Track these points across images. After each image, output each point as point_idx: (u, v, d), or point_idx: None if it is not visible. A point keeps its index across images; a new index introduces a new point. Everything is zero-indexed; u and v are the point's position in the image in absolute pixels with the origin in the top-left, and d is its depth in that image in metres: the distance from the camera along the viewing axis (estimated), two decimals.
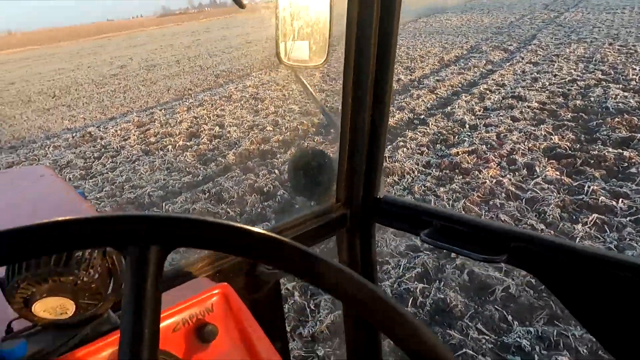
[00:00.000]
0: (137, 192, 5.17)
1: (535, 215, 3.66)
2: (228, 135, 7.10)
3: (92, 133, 8.12)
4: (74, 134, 8.20)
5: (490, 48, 12.13)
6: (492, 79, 8.69)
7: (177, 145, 6.84)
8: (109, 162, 6.46)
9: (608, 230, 3.32)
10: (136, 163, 6.26)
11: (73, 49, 29.23)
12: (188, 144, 6.91)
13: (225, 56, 17.04)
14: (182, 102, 9.95)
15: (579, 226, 3.38)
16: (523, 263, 0.82)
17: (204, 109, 9.03)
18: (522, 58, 10.32)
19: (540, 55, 10.47)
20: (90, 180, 5.80)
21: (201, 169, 5.76)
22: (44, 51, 30.05)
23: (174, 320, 0.67)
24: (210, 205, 4.59)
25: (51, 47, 32.58)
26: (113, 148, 7.12)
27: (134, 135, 7.66)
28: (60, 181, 2.05)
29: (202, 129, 7.61)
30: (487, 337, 2.46)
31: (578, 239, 3.23)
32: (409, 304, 2.77)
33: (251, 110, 8.53)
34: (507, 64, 10.00)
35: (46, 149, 7.47)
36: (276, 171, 5.33)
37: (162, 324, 0.70)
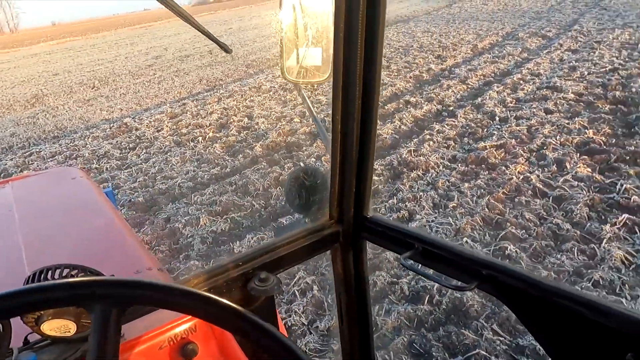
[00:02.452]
0: (169, 183, 5.38)
1: (562, 214, 3.58)
2: (256, 126, 7.23)
3: (128, 124, 8.45)
4: (111, 125, 8.56)
5: (527, 35, 11.66)
6: (527, 68, 8.39)
7: (207, 136, 7.03)
8: (143, 152, 6.73)
9: (638, 232, 3.21)
10: (168, 154, 6.49)
11: (112, 39, 30.16)
12: (217, 135, 7.09)
13: (256, 45, 17.18)
14: (213, 93, 10.16)
15: (607, 227, 3.28)
16: (494, 291, 0.87)
17: (233, 100, 9.20)
18: (561, 45, 9.88)
19: (580, 42, 9.99)
20: (125, 171, 6.07)
21: (229, 160, 5.91)
22: (85, 42, 31.15)
23: (161, 339, 0.74)
24: (237, 197, 4.73)
25: (92, 38, 33.74)
26: (147, 139, 7.40)
27: (167, 126, 7.92)
28: (90, 184, 2.14)
29: (231, 120, 7.78)
30: (501, 339, 2.46)
31: (605, 240, 3.15)
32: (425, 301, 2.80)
33: (280, 101, 8.62)
34: (545, 51, 9.61)
35: (86, 139, 7.85)
36: (301, 164, 5.40)
37: (151, 342, 0.79)
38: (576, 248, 3.11)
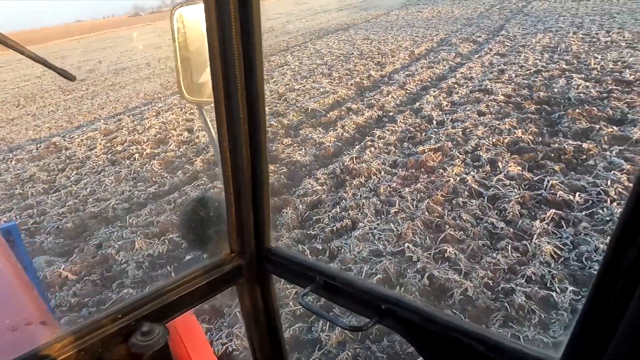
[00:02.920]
0: (101, 206, 5.05)
1: (496, 213, 3.71)
2: (197, 140, 7.00)
3: (57, 143, 7.89)
4: (38, 145, 7.96)
5: (460, 40, 12.24)
6: (461, 72, 8.77)
7: (145, 153, 6.71)
8: (73, 174, 6.29)
9: (564, 226, 3.39)
10: (101, 174, 6.12)
11: (41, 53, 28.28)
12: (156, 151, 6.78)
13: None
14: (151, 107, 9.76)
15: (537, 223, 3.43)
16: (393, 325, 0.85)
17: (173, 114, 8.87)
18: (490, 50, 10.44)
19: (507, 46, 10.60)
20: (54, 195, 5.64)
21: (168, 177, 5.66)
22: (11, 56, 29.04)
23: None
24: (175, 216, 4.52)
25: (17, 53, 31.46)
26: (78, 159, 6.94)
27: (101, 144, 7.48)
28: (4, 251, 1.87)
29: (170, 134, 7.48)
30: None
31: (535, 236, 3.29)
32: None
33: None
34: (476, 56, 10.10)
35: (8, 162, 7.23)
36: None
37: None
38: (510, 246, 3.22)
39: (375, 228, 3.75)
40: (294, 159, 5.57)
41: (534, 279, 2.84)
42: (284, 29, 21.76)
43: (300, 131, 6.70)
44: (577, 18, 12.85)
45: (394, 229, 3.66)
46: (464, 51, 10.85)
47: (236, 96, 0.88)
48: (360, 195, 4.40)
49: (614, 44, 9.21)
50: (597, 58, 8.24)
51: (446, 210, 3.86)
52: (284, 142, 6.29)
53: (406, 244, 3.42)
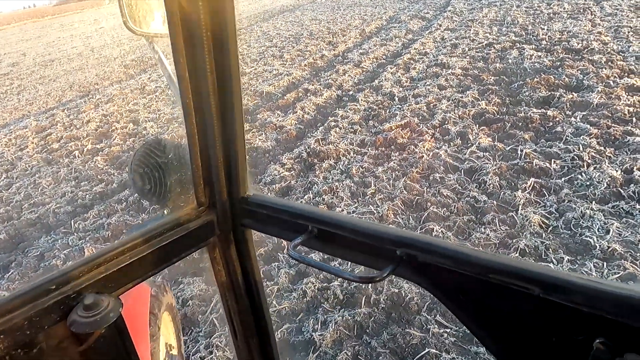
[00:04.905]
0: (40, 211, 4.45)
1: (476, 186, 3.59)
2: (144, 132, 6.41)
3: None
4: None
5: (409, 17, 12.17)
6: (415, 48, 8.66)
7: (86, 149, 6.05)
8: (2, 178, 5.55)
9: (547, 194, 3.31)
10: (37, 176, 5.43)
11: None
12: (98, 146, 6.14)
13: (134, 44, 15.64)
14: (89, 99, 8.91)
15: (519, 193, 3.34)
16: (411, 274, 0.70)
17: (114, 105, 8.13)
18: (440, 25, 10.43)
19: (456, 21, 10.65)
20: None
21: (115, 174, 5.10)
22: None
23: None
24: (129, 216, 4.04)
25: None
26: (7, 160, 6.15)
27: (33, 142, 6.68)
28: None
29: (113, 127, 6.82)
30: (448, 331, 2.29)
31: (521, 206, 3.19)
32: None
33: (168, 102, 7.80)
34: (427, 32, 10.06)
35: None
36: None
37: None
38: (497, 219, 3.10)
39: (353, 212, 3.51)
40: (255, 145, 5.20)
41: (528, 251, 2.72)
42: None
43: (258, 115, 6.30)
44: None
45: (374, 211, 3.43)
46: (415, 28, 10.78)
47: (199, 23, 0.71)
48: (332, 179, 4.13)
49: (557, 15, 9.48)
50: (543, 29, 8.41)
51: (425, 188, 3.69)
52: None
53: (389, 226, 3.20)
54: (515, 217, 3.09)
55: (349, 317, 2.43)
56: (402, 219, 3.31)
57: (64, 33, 23.73)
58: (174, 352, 1.97)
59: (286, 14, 16.82)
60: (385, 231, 0.73)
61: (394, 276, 0.71)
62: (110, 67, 12.07)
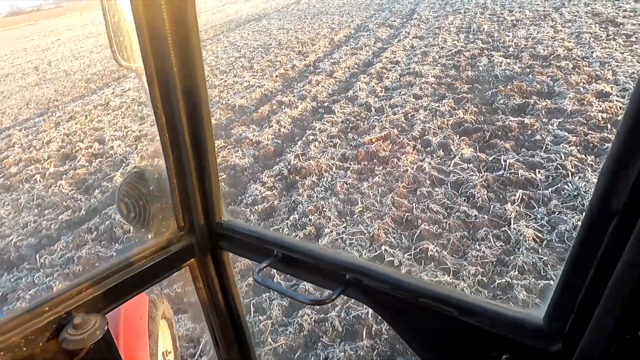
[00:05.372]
0: None
1: (464, 200, 3.54)
2: (111, 151, 6.07)
3: None
4: None
5: (376, 25, 12.26)
6: (386, 57, 8.69)
7: (48, 172, 5.66)
8: None
9: (536, 206, 3.30)
10: None
11: None
12: (61, 169, 5.76)
13: (95, 56, 15.04)
14: (48, 117, 8.42)
15: (509, 206, 3.31)
16: (359, 295, 0.79)
17: (76, 123, 7.71)
18: (408, 33, 10.54)
19: (423, 29, 10.79)
20: None
21: (82, 200, 4.77)
22: None
23: None
24: (101, 247, 3.76)
25: None
26: None
27: None
28: None
29: (77, 147, 6.44)
30: None
31: (512, 220, 3.15)
32: None
33: (136, 118, 7.47)
34: (396, 40, 10.13)
35: None
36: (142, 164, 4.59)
37: None
38: (490, 234, 3.05)
39: (343, 232, 3.38)
40: (232, 163, 5.00)
41: (526, 268, 2.68)
42: None
43: (232, 130, 6.09)
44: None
45: (365, 231, 3.32)
46: (383, 36, 10.85)
47: (169, 59, 0.79)
48: (317, 197, 4.00)
49: (519, 22, 9.76)
50: (509, 36, 8.62)
51: (413, 203, 3.61)
52: (216, 145, 5.66)
53: (383, 247, 3.10)
54: (509, 231, 3.05)
55: (352, 352, 2.29)
56: (393, 238, 3.21)
57: (17, 46, 22.59)
58: (171, 358, 2.09)
59: (252, 23, 16.63)
60: (337, 257, 0.81)
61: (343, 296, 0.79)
62: (70, 82, 11.51)
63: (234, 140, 5.74)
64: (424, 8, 13.64)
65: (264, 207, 3.95)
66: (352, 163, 4.55)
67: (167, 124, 0.87)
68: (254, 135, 5.78)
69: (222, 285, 1.06)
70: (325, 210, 3.70)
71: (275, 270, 1.03)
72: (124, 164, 5.52)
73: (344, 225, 3.49)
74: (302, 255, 0.86)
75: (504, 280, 2.61)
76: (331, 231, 3.40)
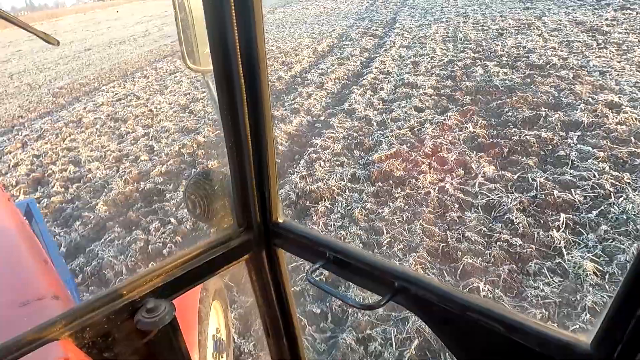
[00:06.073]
0: None
1: (501, 226, 3.23)
2: (89, 175, 5.49)
3: None
4: None
5: (359, 34, 12.04)
6: (376, 67, 8.42)
7: (17, 201, 5.02)
8: None
9: (584, 232, 3.02)
10: None
11: None
12: (34, 196, 5.13)
13: (61, 68, 14.17)
14: (13, 137, 7.69)
15: (555, 233, 3.02)
16: (407, 303, 0.82)
17: (46, 142, 7.04)
18: (394, 43, 10.35)
19: (408, 38, 10.63)
20: None
21: (61, 234, 4.21)
22: None
23: None
24: (88, 293, 3.23)
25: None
26: None
27: None
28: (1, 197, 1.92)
29: (50, 171, 5.81)
30: None
31: (564, 249, 2.86)
32: None
33: (113, 136, 6.88)
34: (382, 49, 9.91)
35: None
36: (172, 219, 4.10)
37: None
38: (545, 268, 2.74)
39: None
40: None
41: (597, 309, 2.37)
42: (161, 32, 19.74)
43: (224, 149, 5.63)
44: (459, 8, 13.55)
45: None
46: (368, 45, 10.62)
47: (235, 62, 0.84)
48: (334, 225, 3.61)
49: (505, 31, 9.73)
50: (498, 45, 8.53)
51: (446, 231, 3.28)
52: (209, 166, 5.19)
53: (389, 260, 2.73)
54: (563, 263, 2.75)
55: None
56: (436, 273, 2.86)
57: None
58: (222, 336, 2.13)
59: None
60: (387, 264, 0.84)
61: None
62: (36, 96, 10.70)
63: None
64: (405, 17, 13.55)
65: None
66: (365, 184, 4.19)
67: (232, 129, 0.92)
68: None
69: (275, 281, 1.12)
70: (347, 242, 3.32)
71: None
72: (105, 190, 4.96)
73: None
74: (353, 260, 0.89)
75: (577, 326, 2.30)
76: None
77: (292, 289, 2.98)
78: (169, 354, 0.94)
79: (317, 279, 0.92)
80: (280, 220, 1.04)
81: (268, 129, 0.92)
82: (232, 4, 0.78)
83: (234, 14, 0.79)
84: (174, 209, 4.32)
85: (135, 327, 0.86)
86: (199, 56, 1.08)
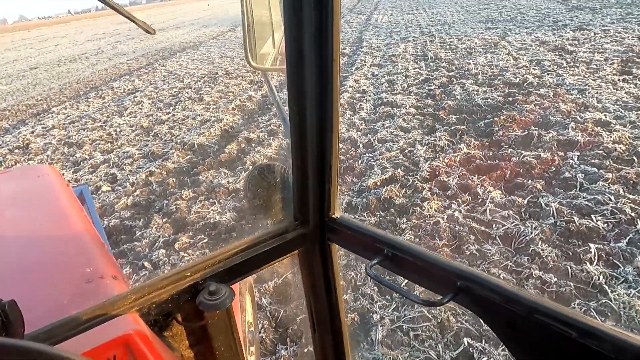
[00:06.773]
0: None
1: (528, 260, 2.93)
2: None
3: None
4: None
5: None
6: (350, 86, 8.19)
7: None
8: None
9: (619, 265, 2.78)
10: None
11: None
12: None
13: (4, 88, 12.99)
14: None
15: (589, 266, 2.75)
16: (469, 304, 0.78)
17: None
18: (364, 61, 10.21)
19: (377, 56, 10.54)
20: None
21: None
22: None
23: None
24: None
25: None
26: None
27: None
28: (57, 182, 1.97)
29: None
30: None
31: (607, 287, 2.58)
32: None
33: (67, 163, 6.14)
34: (353, 68, 9.73)
35: None
36: (146, 263, 3.51)
37: None
38: (592, 309, 2.44)
39: (398, 317, 2.59)
40: (212, 220, 4.02)
41: None
42: (115, 50, 18.78)
43: (199, 177, 5.10)
44: (423, 28, 13.75)
45: (428, 315, 2.56)
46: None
47: (310, 59, 0.84)
48: (341, 264, 3.18)
49: (473, 50, 9.84)
50: (470, 63, 8.56)
51: (470, 267, 2.94)
52: (183, 196, 4.63)
53: (464, 339, 2.36)
54: (610, 303, 2.47)
55: None
56: (468, 323, 2.49)
57: None
58: (253, 329, 2.15)
59: (189, 51, 15.54)
60: (448, 263, 0.82)
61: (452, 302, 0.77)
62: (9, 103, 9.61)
63: (204, 189, 4.75)
64: (370, 36, 13.55)
65: (277, 284, 3.04)
66: (366, 214, 3.81)
67: (299, 125, 0.93)
68: (228, 181, 4.84)
69: (326, 276, 1.11)
70: (364, 288, 2.90)
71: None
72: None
73: (394, 305, 2.71)
74: (412, 257, 0.87)
75: None
76: (381, 318, 2.60)
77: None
78: (223, 338, 0.97)
79: (376, 274, 0.89)
80: (337, 216, 1.04)
81: (335, 125, 0.93)
82: (312, 5, 0.78)
83: (313, 16, 0.79)
84: (147, 250, 3.74)
85: (196, 308, 0.88)
86: (260, 55, 1.13)
